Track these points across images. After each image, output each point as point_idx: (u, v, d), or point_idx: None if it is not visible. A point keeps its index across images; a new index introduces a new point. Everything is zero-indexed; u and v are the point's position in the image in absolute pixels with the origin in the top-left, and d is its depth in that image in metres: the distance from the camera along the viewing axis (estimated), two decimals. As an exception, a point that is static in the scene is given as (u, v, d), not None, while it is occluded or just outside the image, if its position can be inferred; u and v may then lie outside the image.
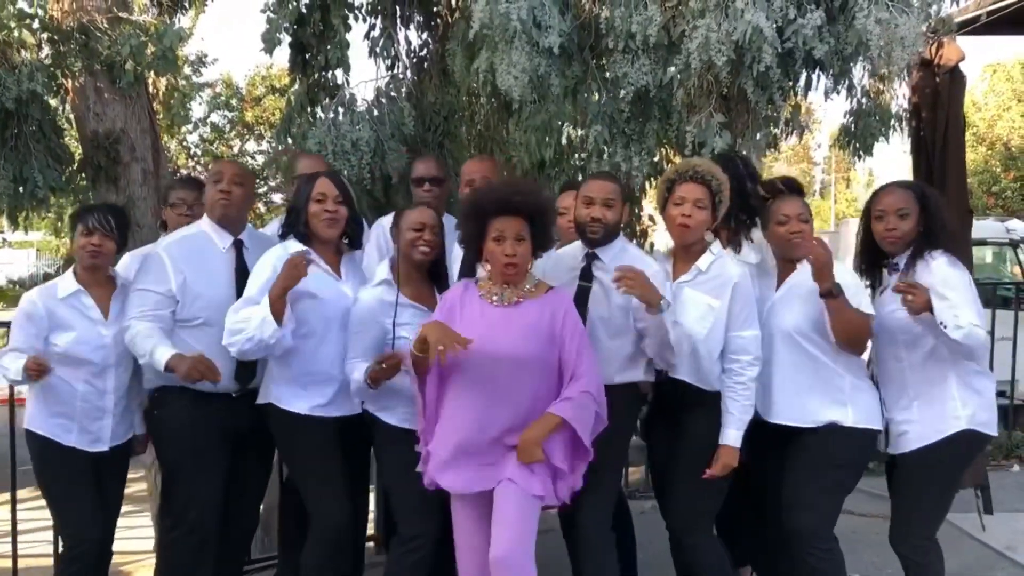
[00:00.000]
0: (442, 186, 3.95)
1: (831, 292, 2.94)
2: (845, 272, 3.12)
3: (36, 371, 2.99)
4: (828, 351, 3.08)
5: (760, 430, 3.13)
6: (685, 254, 3.14)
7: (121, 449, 3.29)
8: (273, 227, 3.60)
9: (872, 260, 3.29)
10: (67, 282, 3.20)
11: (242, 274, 3.21)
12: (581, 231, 3.14)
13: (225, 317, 3.03)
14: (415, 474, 2.92)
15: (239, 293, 3.14)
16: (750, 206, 3.32)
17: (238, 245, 3.30)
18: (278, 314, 2.92)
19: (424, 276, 3.17)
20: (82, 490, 3.18)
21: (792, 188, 3.25)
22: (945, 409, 3.04)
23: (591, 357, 2.86)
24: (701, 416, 3.09)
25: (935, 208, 3.12)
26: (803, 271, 3.11)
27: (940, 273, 2.99)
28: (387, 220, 3.67)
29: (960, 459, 3.13)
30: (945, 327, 2.84)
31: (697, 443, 3.08)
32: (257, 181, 16.13)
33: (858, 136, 4.43)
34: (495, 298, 2.83)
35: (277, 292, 2.92)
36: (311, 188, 3.16)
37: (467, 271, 3.13)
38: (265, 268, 3.06)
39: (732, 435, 3.03)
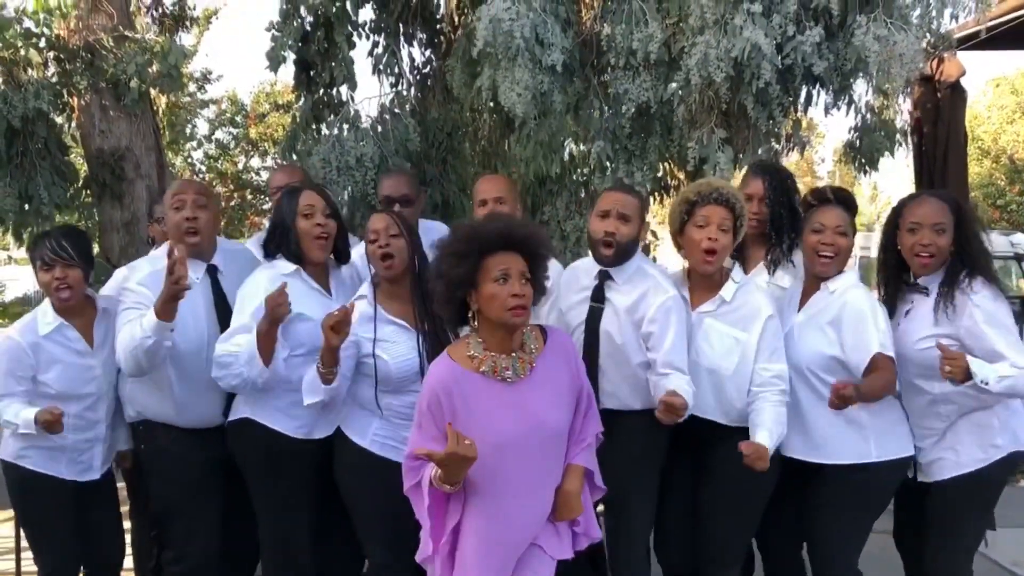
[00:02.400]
0: (413, 206, 3.59)
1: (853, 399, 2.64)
2: (865, 303, 2.86)
3: (53, 422, 2.83)
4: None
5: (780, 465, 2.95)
6: (704, 280, 2.92)
7: (108, 471, 3.22)
8: (254, 244, 3.42)
9: (894, 276, 3.03)
10: (47, 316, 3.02)
11: (220, 302, 3.03)
12: (593, 249, 2.96)
13: (201, 350, 2.91)
14: (385, 500, 2.73)
15: (221, 323, 2.96)
16: (796, 222, 3.10)
17: (212, 271, 3.08)
18: (265, 351, 2.75)
19: (406, 291, 2.89)
20: (64, 521, 3.08)
21: (841, 199, 2.98)
22: (983, 436, 2.86)
23: (592, 394, 2.55)
24: (729, 456, 2.77)
25: (969, 223, 2.89)
26: (828, 295, 2.92)
27: (984, 310, 2.76)
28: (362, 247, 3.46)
29: (1002, 483, 2.98)
30: (987, 384, 2.62)
31: (731, 482, 2.86)
32: (262, 196, 16.21)
33: (863, 151, 4.43)
34: (508, 374, 2.29)
35: (264, 330, 2.73)
36: (296, 202, 2.95)
37: (439, 339, 2.71)
38: (256, 292, 2.84)
39: (764, 436, 2.67)
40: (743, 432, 2.79)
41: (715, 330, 2.88)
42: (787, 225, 3.13)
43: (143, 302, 2.86)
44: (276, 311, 2.69)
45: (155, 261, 2.99)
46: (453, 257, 2.27)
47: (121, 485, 3.43)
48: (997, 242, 9.13)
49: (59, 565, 3.10)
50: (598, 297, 2.95)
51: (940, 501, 2.94)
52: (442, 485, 2.21)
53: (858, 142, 4.41)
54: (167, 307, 2.71)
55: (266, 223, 3.48)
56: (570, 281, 3.08)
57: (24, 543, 4.05)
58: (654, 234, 5.32)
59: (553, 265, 2.91)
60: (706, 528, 2.98)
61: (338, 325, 2.61)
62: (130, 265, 3.25)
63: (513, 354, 2.30)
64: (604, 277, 2.96)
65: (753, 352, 2.82)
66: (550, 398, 2.32)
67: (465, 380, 2.27)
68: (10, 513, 4.10)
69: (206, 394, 2.99)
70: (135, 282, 2.96)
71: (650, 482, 2.96)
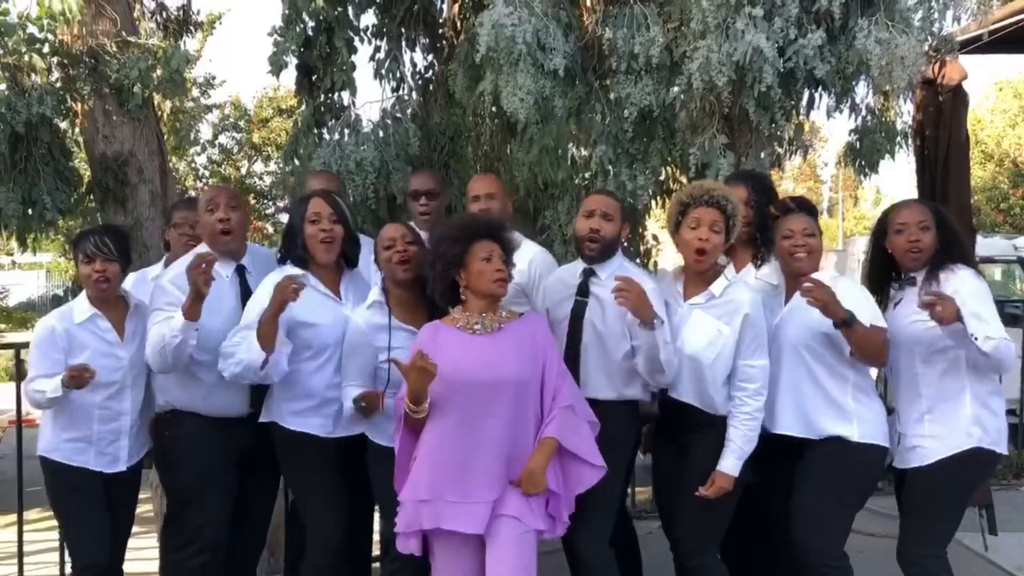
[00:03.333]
0: (438, 200, 3.90)
1: (845, 322, 2.90)
2: (853, 287, 3.10)
3: (78, 376, 2.97)
4: (833, 365, 3.06)
5: (765, 445, 3.09)
6: (697, 276, 3.11)
7: (135, 467, 3.31)
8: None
9: (882, 277, 3.27)
10: (82, 306, 3.20)
11: (247, 298, 3.16)
12: (579, 247, 3.16)
13: None
14: None
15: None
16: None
17: (241, 271, 3.25)
18: (266, 339, 2.88)
19: (417, 298, 3.08)
20: (96, 515, 3.17)
21: (802, 207, 3.24)
22: (959, 425, 3.01)
23: (568, 374, 2.87)
24: (706, 438, 3.05)
25: (949, 222, 3.14)
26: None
27: (968, 284, 2.97)
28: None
29: (971, 477, 3.10)
30: (976, 339, 2.81)
31: (703, 466, 3.04)
32: (265, 202, 16.26)
33: (864, 154, 4.43)
34: (476, 327, 2.77)
35: (267, 317, 2.88)
36: (304, 209, 3.13)
37: (435, 308, 2.95)
38: (264, 293, 3.01)
39: (730, 463, 2.99)
40: (722, 419, 3.03)
41: (701, 320, 3.05)
42: (764, 227, 3.29)
43: (174, 303, 3.02)
44: (284, 292, 2.85)
45: (187, 262, 3.11)
46: (448, 241, 2.79)
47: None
48: (1000, 246, 9.20)
49: (91, 556, 3.16)
50: (583, 292, 3.14)
51: (913, 489, 3.09)
52: (410, 406, 2.67)
53: (858, 144, 4.42)
54: (193, 308, 2.92)
55: (269, 227, 3.51)
56: (556, 284, 3.27)
57: (26, 548, 4.08)
58: (655, 238, 5.32)
59: (542, 254, 3.51)
60: (678, 509, 3.14)
61: (289, 289, 2.86)
62: (141, 271, 3.43)
63: (484, 314, 2.78)
64: (588, 274, 3.15)
65: (732, 345, 3.01)
66: (510, 351, 2.73)
67: (442, 332, 2.78)
68: (12, 518, 4.12)
69: (232, 384, 3.09)
70: (167, 280, 3.15)
71: (618, 469, 3.11)
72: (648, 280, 3.09)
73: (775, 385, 3.10)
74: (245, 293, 3.20)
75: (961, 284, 2.98)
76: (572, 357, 3.07)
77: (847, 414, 3.05)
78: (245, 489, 3.29)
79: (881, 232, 3.22)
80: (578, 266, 3.22)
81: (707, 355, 3.01)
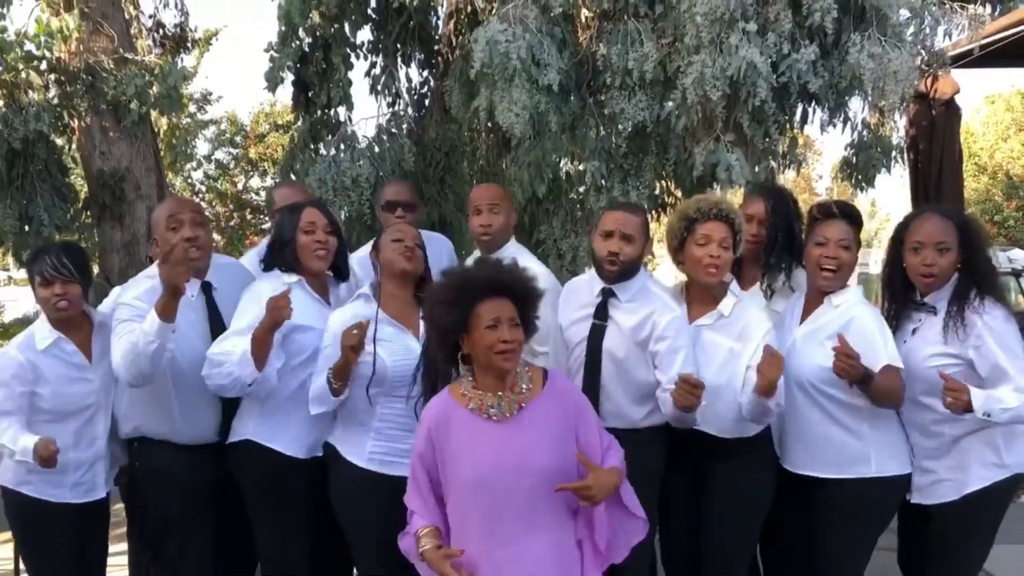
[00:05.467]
0: (416, 212, 3.76)
1: (864, 380, 2.70)
2: (873, 323, 2.85)
3: (48, 458, 2.76)
4: (844, 401, 2.86)
5: (779, 478, 2.98)
6: (703, 294, 2.93)
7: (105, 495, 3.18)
8: (250, 259, 3.45)
9: (900, 294, 2.98)
10: (43, 331, 2.99)
11: (215, 317, 3.04)
12: (598, 266, 2.96)
13: (197, 365, 2.88)
14: (380, 518, 2.72)
15: (216, 338, 2.95)
16: (795, 247, 3.10)
17: (206, 288, 3.07)
18: (260, 357, 2.76)
19: (409, 297, 2.95)
20: (66, 548, 3.02)
21: (846, 214, 2.96)
22: (987, 455, 2.83)
23: (613, 440, 2.47)
24: (728, 469, 2.88)
25: (976, 240, 2.84)
26: (832, 308, 2.91)
27: (995, 331, 2.73)
28: (362, 251, 3.51)
29: (1005, 504, 2.93)
30: (990, 416, 2.61)
31: (727, 496, 2.89)
32: (261, 216, 16.23)
33: (860, 167, 4.46)
34: (492, 411, 2.30)
35: (260, 334, 2.75)
36: (298, 218, 3.02)
37: (433, 383, 2.54)
38: (258, 300, 2.86)
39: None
40: (737, 444, 2.85)
41: (712, 343, 2.88)
42: (783, 248, 3.10)
43: (141, 314, 2.82)
44: (277, 313, 2.72)
45: (152, 278, 2.97)
46: (444, 305, 2.31)
47: (119, 506, 3.41)
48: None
49: None
50: (601, 315, 2.93)
51: (942, 523, 2.90)
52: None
53: (854, 159, 4.44)
54: (168, 307, 2.71)
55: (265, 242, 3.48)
56: (569, 297, 3.08)
57: (23, 566, 4.04)
58: (651, 253, 5.33)
59: (544, 277, 3.06)
60: (704, 542, 2.98)
61: (358, 344, 2.66)
62: (125, 285, 3.24)
63: (500, 393, 2.31)
64: (608, 295, 2.95)
65: (745, 360, 2.81)
66: (536, 439, 2.28)
67: (455, 415, 2.31)
68: (10, 535, 4.09)
69: (203, 409, 3.01)
70: (132, 296, 2.95)
71: (649, 499, 2.89)
72: (675, 306, 2.91)
73: (788, 422, 2.94)
74: (212, 312, 3.05)
75: (986, 332, 2.73)
76: (592, 386, 2.88)
77: (863, 446, 2.86)
78: (230, 512, 3.10)
79: (899, 240, 2.94)
80: (595, 282, 2.99)
81: (721, 380, 2.83)
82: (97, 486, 3.09)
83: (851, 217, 2.95)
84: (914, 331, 2.91)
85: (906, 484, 2.92)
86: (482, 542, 2.25)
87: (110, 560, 3.31)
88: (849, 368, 2.64)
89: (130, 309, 2.91)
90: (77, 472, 3.03)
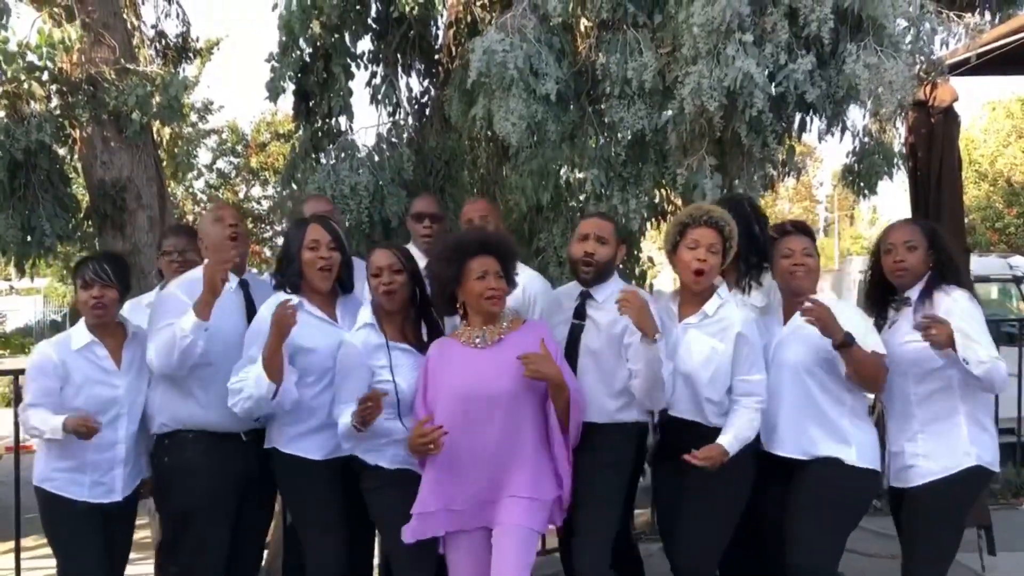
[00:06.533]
0: (441, 223, 3.98)
1: (844, 343, 2.92)
2: (853, 312, 3.14)
3: (83, 427, 2.96)
4: (832, 389, 3.09)
5: (762, 463, 3.13)
6: (692, 296, 3.15)
7: (131, 496, 3.27)
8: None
9: (879, 296, 3.31)
10: (80, 333, 3.19)
11: (251, 309, 3.21)
12: (574, 270, 3.22)
13: (232, 351, 3.06)
14: (407, 508, 2.90)
15: None
16: (759, 248, 3.33)
17: (244, 285, 3.29)
18: (273, 370, 2.90)
19: (406, 315, 3.13)
20: (90, 547, 3.14)
21: (800, 229, 3.30)
22: (954, 444, 3.05)
23: (572, 374, 2.99)
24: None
25: (943, 243, 3.18)
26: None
27: (961, 305, 3.02)
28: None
29: (970, 495, 3.13)
30: (968, 363, 2.88)
31: (703, 482, 3.02)
32: (263, 226, 16.30)
33: (862, 175, 4.48)
34: (477, 341, 2.90)
35: (270, 349, 2.90)
36: (303, 235, 3.14)
37: (430, 324, 3.14)
38: (263, 324, 3.01)
39: (728, 439, 2.97)
40: (715, 434, 3.01)
41: (696, 340, 3.08)
42: (748, 248, 3.28)
43: (182, 309, 3.04)
44: (282, 320, 2.87)
45: (195, 273, 3.19)
46: (443, 261, 2.91)
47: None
48: (995, 265, 9.24)
49: None
50: (580, 315, 3.19)
51: (913, 508, 3.11)
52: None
53: (856, 166, 4.47)
54: (205, 307, 2.97)
55: (267, 251, 3.54)
56: (552, 306, 3.34)
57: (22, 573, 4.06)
58: (651, 260, 5.34)
59: (536, 279, 3.54)
60: (680, 525, 3.13)
61: (288, 316, 2.87)
62: (136, 299, 3.43)
63: (485, 327, 2.91)
64: (585, 297, 3.21)
65: (728, 362, 3.04)
66: (510, 363, 2.79)
67: (448, 346, 2.95)
68: (10, 544, 4.10)
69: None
70: (175, 286, 3.20)
71: (618, 490, 3.15)
72: (646, 298, 3.11)
73: (774, 406, 3.11)
74: (249, 306, 3.23)
75: (954, 305, 3.02)
76: None
77: (845, 437, 3.08)
78: (242, 512, 3.26)
79: (877, 252, 3.29)
80: (575, 289, 3.26)
81: (703, 373, 3.04)
82: (115, 490, 3.20)
83: (805, 231, 3.29)
84: (891, 325, 3.22)
85: (878, 478, 3.15)
86: (458, 443, 2.77)
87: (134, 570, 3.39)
88: (818, 315, 2.89)
89: (173, 301, 3.13)
90: (95, 473, 3.16)
